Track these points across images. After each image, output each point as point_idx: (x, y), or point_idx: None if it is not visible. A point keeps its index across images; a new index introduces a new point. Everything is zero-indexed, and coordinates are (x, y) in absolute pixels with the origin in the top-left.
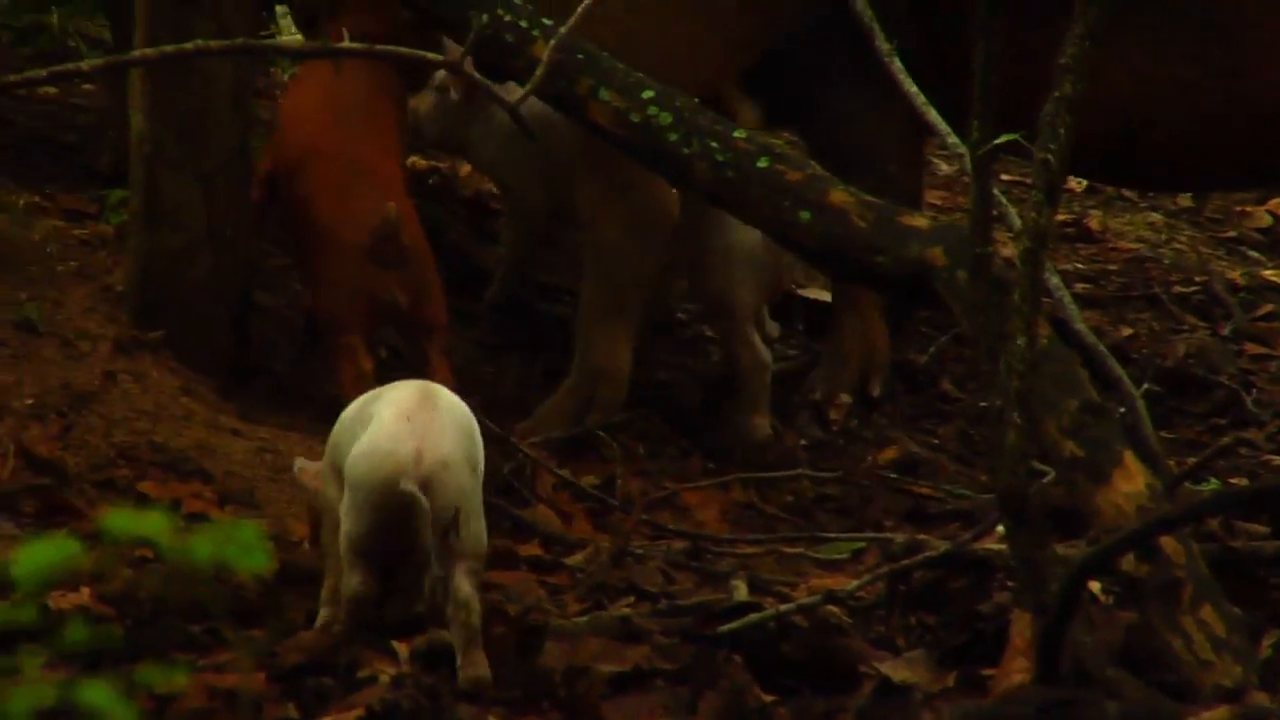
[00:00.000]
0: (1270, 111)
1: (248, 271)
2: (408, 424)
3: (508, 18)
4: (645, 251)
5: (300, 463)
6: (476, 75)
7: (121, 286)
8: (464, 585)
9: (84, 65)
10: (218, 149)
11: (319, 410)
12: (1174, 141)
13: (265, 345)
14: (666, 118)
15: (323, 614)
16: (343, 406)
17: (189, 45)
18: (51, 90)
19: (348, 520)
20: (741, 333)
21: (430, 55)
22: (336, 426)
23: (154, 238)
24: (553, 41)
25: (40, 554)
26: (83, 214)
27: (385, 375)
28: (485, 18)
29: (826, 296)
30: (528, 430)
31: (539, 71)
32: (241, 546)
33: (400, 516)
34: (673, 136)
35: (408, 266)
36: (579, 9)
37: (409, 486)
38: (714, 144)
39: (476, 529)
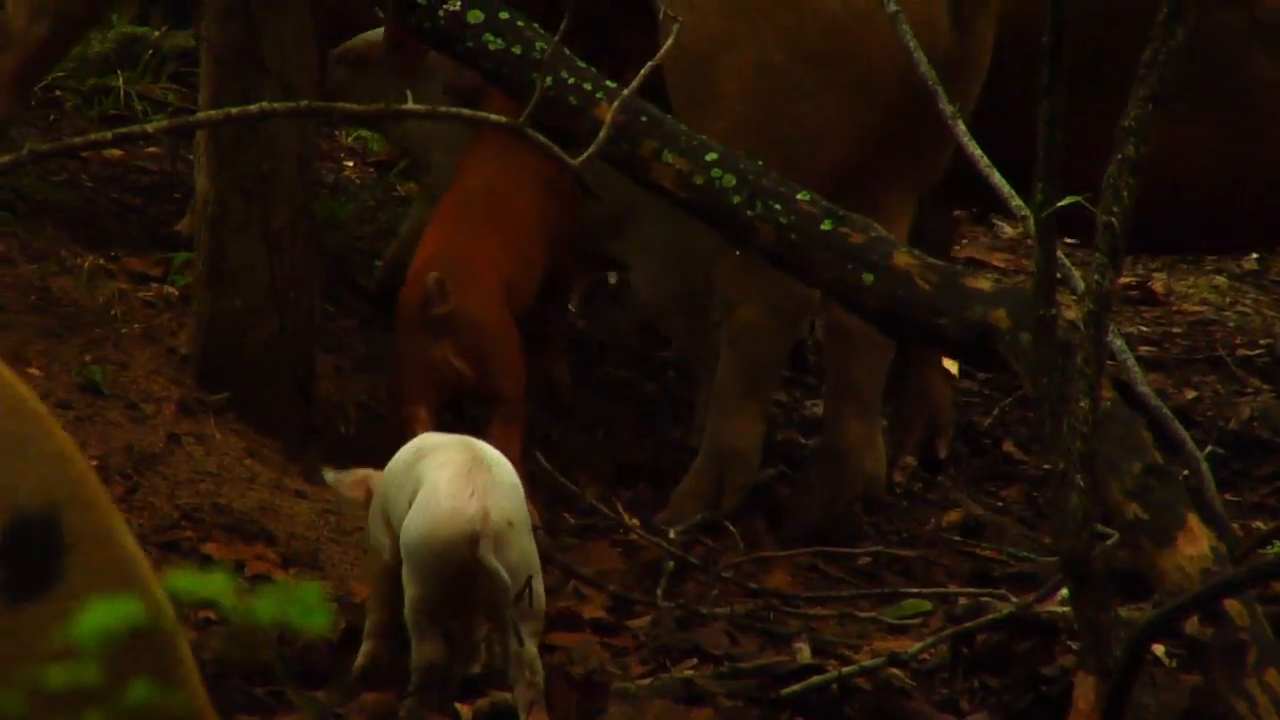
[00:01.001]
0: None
1: (312, 333)
2: (466, 484)
3: (571, 80)
4: (783, 332)
5: (332, 475)
6: (540, 137)
7: (186, 349)
8: (529, 646)
9: (149, 127)
10: (282, 211)
11: None
12: (1190, 203)
13: (330, 407)
14: (730, 180)
15: (365, 647)
16: None
17: (254, 107)
18: (117, 153)
19: (412, 586)
20: None
21: (492, 116)
22: (386, 476)
23: (218, 300)
24: (616, 104)
25: (103, 615)
26: (148, 276)
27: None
28: (549, 80)
29: None
30: (666, 520)
31: (602, 134)
32: (304, 608)
33: (466, 577)
34: (736, 199)
35: (463, 335)
36: (640, 72)
37: (487, 556)
38: (777, 206)
39: (539, 589)
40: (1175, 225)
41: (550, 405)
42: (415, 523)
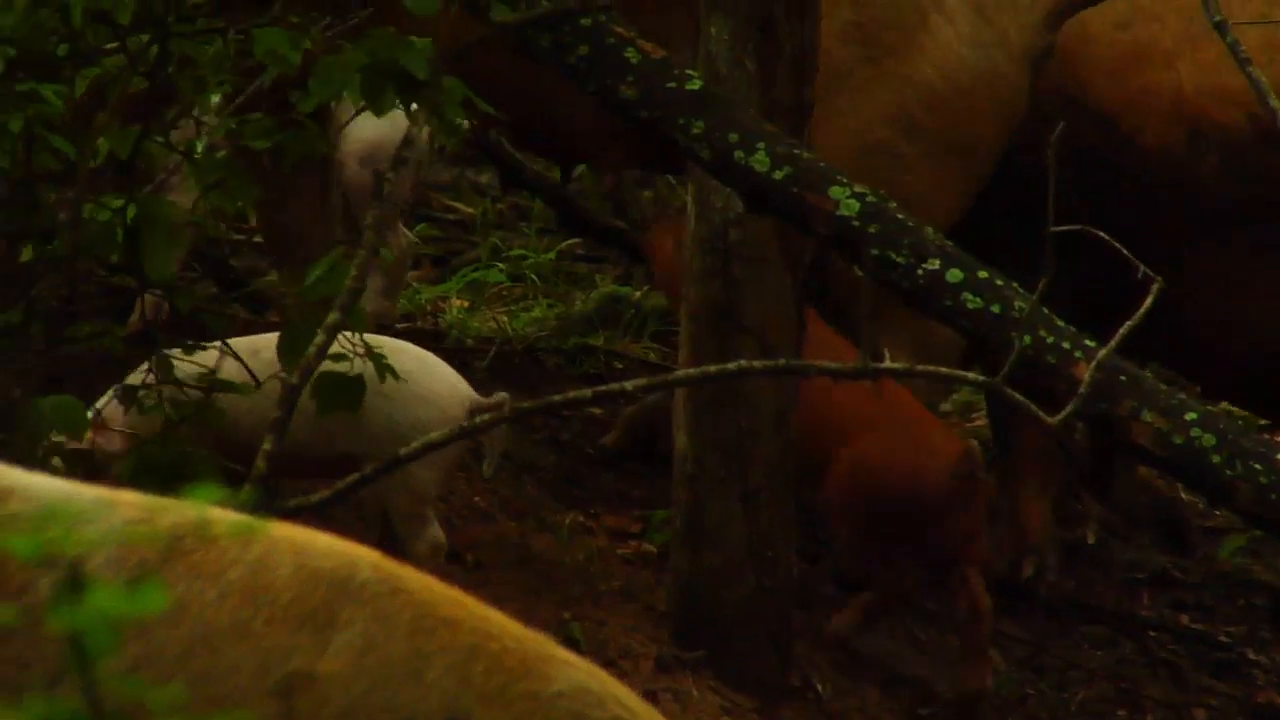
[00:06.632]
0: None
1: (789, 592)
2: (446, 369)
3: (1050, 339)
4: None
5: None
6: (1016, 396)
7: (664, 605)
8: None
9: (628, 386)
10: (760, 468)
11: None
12: None
13: (806, 666)
14: (1210, 439)
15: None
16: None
17: (732, 366)
18: (596, 411)
19: (426, 473)
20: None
21: (970, 375)
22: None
23: (696, 557)
24: (1094, 363)
25: None
26: (626, 534)
27: None
28: (1028, 339)
29: None
30: None
31: (1081, 392)
32: None
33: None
34: (1216, 459)
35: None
36: (1120, 331)
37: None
38: (1258, 466)
39: None
40: None
41: None
42: (428, 412)
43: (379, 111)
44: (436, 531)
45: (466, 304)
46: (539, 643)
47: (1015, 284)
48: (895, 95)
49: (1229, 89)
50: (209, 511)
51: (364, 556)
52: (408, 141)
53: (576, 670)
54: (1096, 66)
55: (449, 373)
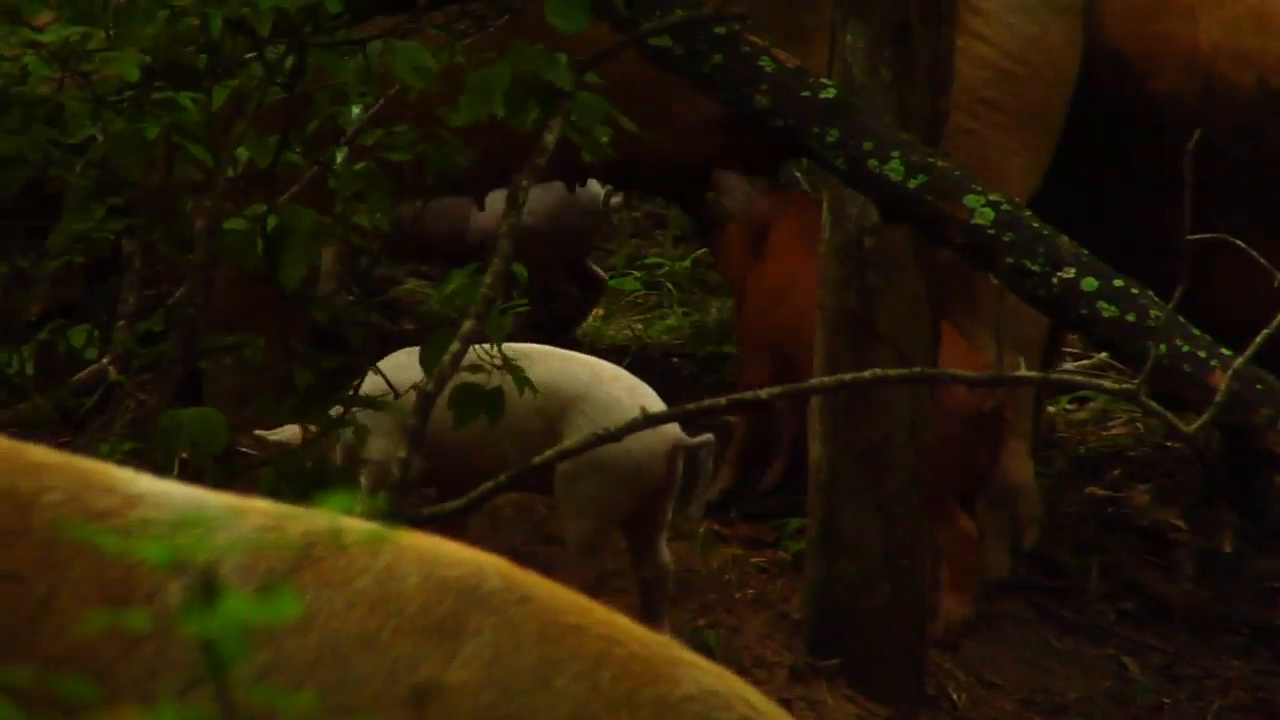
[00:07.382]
0: None
1: (923, 601)
2: (657, 401)
3: (1185, 348)
4: None
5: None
6: (1153, 405)
7: (798, 614)
8: (667, 551)
9: (763, 394)
10: (895, 477)
11: None
12: None
13: (941, 675)
14: None
15: None
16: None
17: (867, 374)
18: (731, 419)
19: (603, 504)
20: None
21: (1107, 384)
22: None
23: (831, 566)
24: (1230, 371)
25: None
26: (761, 542)
27: None
28: (1163, 347)
29: None
30: None
31: (1218, 401)
32: None
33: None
34: None
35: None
36: (1257, 339)
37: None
38: None
39: None
40: None
41: None
42: (626, 449)
43: (521, 125)
44: (599, 562)
45: (602, 311)
46: (665, 646)
47: (1150, 292)
48: (957, 75)
49: (1244, 49)
50: (338, 519)
51: (490, 564)
52: (542, 150)
53: (703, 673)
54: (1119, 6)
55: (657, 405)
